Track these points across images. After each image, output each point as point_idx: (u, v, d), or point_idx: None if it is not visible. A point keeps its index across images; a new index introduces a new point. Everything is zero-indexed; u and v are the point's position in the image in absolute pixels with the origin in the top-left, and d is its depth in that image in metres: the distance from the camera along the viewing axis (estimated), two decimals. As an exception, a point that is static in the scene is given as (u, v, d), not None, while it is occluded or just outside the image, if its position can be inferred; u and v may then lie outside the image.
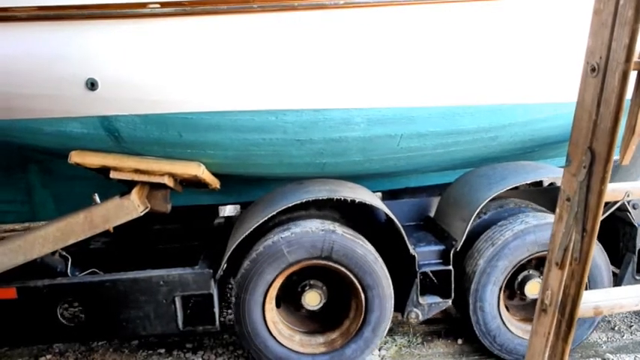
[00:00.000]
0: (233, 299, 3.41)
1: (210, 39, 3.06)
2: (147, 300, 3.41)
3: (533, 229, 3.46)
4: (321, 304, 3.52)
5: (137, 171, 3.41)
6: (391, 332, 4.11)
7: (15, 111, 3.23)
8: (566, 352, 1.85)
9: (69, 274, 3.57)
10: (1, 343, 3.56)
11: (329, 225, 3.41)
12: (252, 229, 3.35)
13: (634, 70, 1.60)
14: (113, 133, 3.28)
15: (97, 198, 3.53)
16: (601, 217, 1.71)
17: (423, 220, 4.12)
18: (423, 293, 3.56)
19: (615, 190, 1.87)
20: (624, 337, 3.97)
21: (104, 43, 3.04)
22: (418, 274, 3.50)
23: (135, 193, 3.47)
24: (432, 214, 4.12)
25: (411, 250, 3.49)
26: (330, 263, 3.36)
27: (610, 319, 4.16)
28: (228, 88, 3.15)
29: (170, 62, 3.09)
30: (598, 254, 3.49)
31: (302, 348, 3.53)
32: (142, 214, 3.51)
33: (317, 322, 3.71)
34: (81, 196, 3.73)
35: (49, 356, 3.96)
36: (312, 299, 3.50)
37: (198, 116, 3.22)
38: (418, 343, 3.96)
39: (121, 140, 3.32)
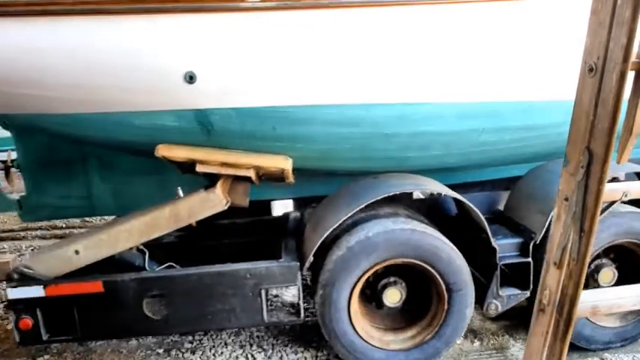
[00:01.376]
0: (319, 296, 3.43)
1: (307, 33, 3.12)
2: (233, 293, 3.43)
3: (621, 216, 3.53)
4: (401, 301, 3.57)
5: (224, 164, 3.41)
6: (390, 332, 4.11)
7: (106, 104, 3.24)
8: (564, 351, 1.86)
9: (147, 268, 3.59)
10: (88, 336, 3.57)
11: (415, 224, 3.47)
12: (340, 222, 3.38)
13: (631, 70, 1.60)
14: (206, 127, 3.30)
15: (180, 192, 3.55)
16: (599, 217, 1.71)
17: (492, 214, 4.18)
18: (500, 285, 3.62)
19: (613, 190, 1.88)
20: (622, 337, 3.96)
21: (204, 37, 3.08)
22: (499, 267, 3.56)
23: (220, 187, 3.47)
24: (499, 207, 4.18)
25: (493, 243, 3.54)
26: (415, 261, 3.41)
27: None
28: (322, 82, 3.22)
29: (267, 56, 3.13)
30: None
31: (385, 345, 3.59)
32: (225, 207, 3.52)
33: (396, 319, 3.76)
34: (140, 191, 3.80)
35: (46, 356, 3.96)
36: (393, 296, 3.55)
37: (293, 109, 3.27)
38: (417, 343, 3.95)
39: (212, 134, 3.34)
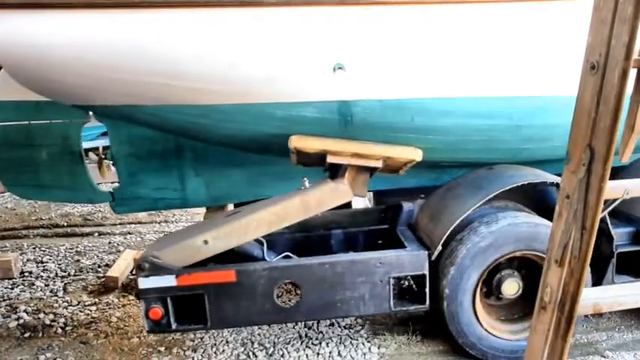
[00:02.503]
0: (446, 286, 3.49)
1: (450, 28, 3.19)
2: (363, 281, 3.47)
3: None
4: (519, 293, 3.62)
5: (355, 155, 3.42)
6: (390, 330, 4.11)
7: (249, 95, 3.27)
8: (566, 349, 1.85)
9: (266, 258, 3.61)
10: (217, 325, 3.59)
11: (535, 217, 3.56)
12: (468, 213, 3.45)
13: (633, 67, 1.60)
14: (346, 118, 3.33)
15: (306, 182, 3.57)
16: (600, 215, 1.71)
17: None
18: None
19: (614, 188, 1.87)
20: (624, 335, 3.97)
21: (353, 29, 3.12)
22: (615, 255, 3.63)
23: (348, 178, 3.49)
24: None
25: (612, 232, 3.60)
26: (537, 253, 3.49)
27: (610, 316, 4.16)
28: (461, 74, 3.29)
29: (411, 49, 3.19)
30: None
31: (507, 335, 3.66)
32: (351, 198, 3.56)
33: (513, 309, 3.81)
34: (232, 183, 3.85)
35: (49, 354, 3.97)
36: (511, 288, 3.61)
37: (433, 101, 3.32)
38: (417, 341, 3.96)
39: (350, 125, 3.36)
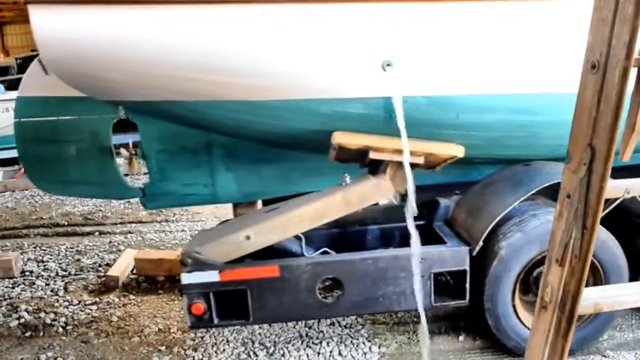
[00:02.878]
0: (487, 282, 3.52)
1: (495, 26, 3.21)
2: (405, 276, 3.47)
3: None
4: None
5: (397, 151, 3.41)
6: (391, 329, 4.12)
7: (292, 91, 3.27)
8: (566, 349, 1.85)
9: (305, 254, 3.61)
10: (260, 320, 3.62)
11: None
12: (509, 209, 3.47)
13: (634, 67, 1.60)
14: (391, 114, 3.31)
15: (347, 178, 3.57)
16: (601, 214, 1.71)
17: None
18: None
19: (615, 187, 1.87)
20: (625, 335, 3.97)
21: (403, 26, 3.14)
22: None
23: (389, 174, 3.50)
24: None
25: None
26: None
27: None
28: (506, 71, 3.30)
29: (459, 45, 3.21)
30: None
31: None
32: (393, 194, 3.58)
33: None
34: (264, 179, 3.87)
35: (49, 353, 3.97)
36: None
37: (478, 98, 3.34)
38: (418, 340, 3.96)
39: (392, 121, 3.34)
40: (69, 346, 4.08)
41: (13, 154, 10.89)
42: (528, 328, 3.58)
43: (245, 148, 3.84)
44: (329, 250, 3.66)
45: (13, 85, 13.05)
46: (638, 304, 1.98)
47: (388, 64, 3.13)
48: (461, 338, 3.96)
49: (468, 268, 3.52)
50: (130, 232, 6.74)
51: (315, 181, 3.88)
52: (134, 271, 5.31)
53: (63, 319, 4.45)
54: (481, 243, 3.49)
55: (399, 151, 3.37)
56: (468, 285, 3.54)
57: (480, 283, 3.57)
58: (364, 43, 3.15)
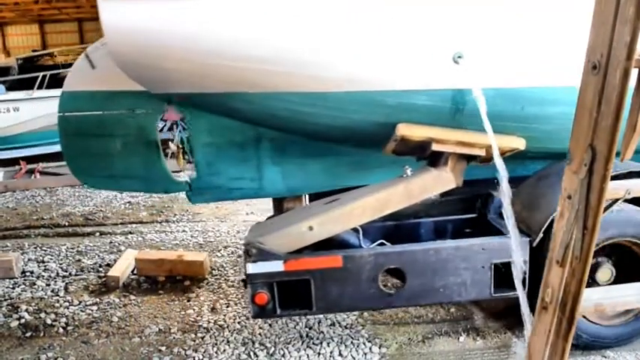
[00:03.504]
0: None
1: (562, 17, 3.25)
2: (466, 267, 3.50)
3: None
4: (611, 279, 3.64)
5: (460, 143, 3.43)
6: (391, 330, 4.11)
7: (359, 83, 3.28)
8: (567, 350, 1.85)
9: (362, 245, 3.64)
10: (322, 310, 3.63)
11: (625, 204, 3.55)
12: None
13: (635, 67, 1.60)
14: (458, 106, 3.35)
15: (408, 170, 3.59)
16: (602, 215, 1.71)
17: None
18: None
19: (616, 188, 1.87)
20: (625, 335, 3.96)
21: (474, 17, 3.19)
22: None
23: (450, 166, 3.51)
24: None
25: None
26: (630, 239, 3.58)
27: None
28: (570, 62, 3.28)
29: (529, 38, 3.25)
30: None
31: (599, 320, 3.69)
32: (454, 186, 3.58)
33: None
34: (309, 174, 3.91)
35: (50, 354, 3.97)
36: (605, 275, 3.62)
37: (545, 90, 3.37)
38: (419, 341, 3.96)
39: (459, 113, 3.38)
40: (69, 347, 4.08)
41: (14, 154, 10.92)
42: (585, 318, 3.64)
43: (292, 143, 3.85)
44: (385, 242, 3.69)
45: (14, 86, 13.08)
46: (638, 304, 1.98)
47: (459, 57, 3.16)
48: (461, 339, 3.96)
49: (527, 259, 3.53)
50: (130, 233, 6.74)
51: (360, 176, 3.91)
52: (135, 272, 5.31)
53: (63, 319, 4.45)
54: (541, 234, 3.50)
55: (462, 143, 3.39)
56: (527, 276, 3.53)
57: (538, 274, 3.58)
58: (436, 35, 3.19)
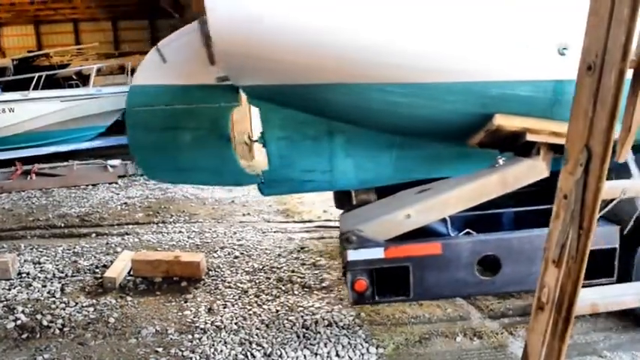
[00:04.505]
0: (637, 260, 3.62)
1: None
2: None
3: None
4: None
5: (553, 133, 3.42)
6: (389, 330, 4.12)
7: (461, 73, 3.30)
8: (563, 350, 1.86)
9: (450, 234, 3.68)
10: (419, 296, 3.71)
11: None
12: None
13: (630, 68, 1.60)
14: (557, 97, 3.36)
15: (500, 161, 3.64)
16: (597, 215, 1.72)
17: None
18: None
19: (612, 188, 1.88)
20: (621, 335, 3.97)
21: (579, 8, 3.18)
22: None
23: (542, 156, 3.52)
24: None
25: None
26: None
27: (607, 316, 4.16)
28: None
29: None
30: None
31: None
32: (547, 175, 3.58)
33: None
34: (380, 167, 3.92)
35: (46, 355, 3.96)
36: None
37: None
38: (416, 341, 3.96)
39: (557, 104, 3.38)
40: (66, 348, 4.06)
41: (10, 155, 10.87)
42: None
43: (364, 136, 3.86)
44: (471, 232, 3.72)
45: (10, 87, 13.03)
46: (634, 304, 1.99)
47: (565, 49, 3.17)
48: (458, 339, 3.97)
49: (617, 246, 3.55)
50: (127, 234, 6.73)
51: (430, 169, 3.94)
52: (131, 273, 5.29)
53: (60, 320, 4.44)
54: (632, 223, 3.52)
55: (555, 134, 3.39)
56: (616, 262, 3.57)
57: (627, 262, 3.64)
58: (541, 28, 3.20)
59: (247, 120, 8.12)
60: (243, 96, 3.75)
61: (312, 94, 3.51)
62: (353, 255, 3.45)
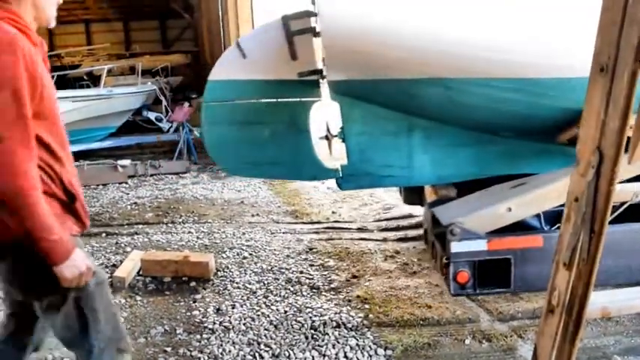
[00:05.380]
0: None
1: None
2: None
3: None
4: None
5: None
6: (397, 332, 4.10)
7: (570, 69, 3.28)
8: (574, 353, 1.84)
9: (543, 227, 3.71)
10: (520, 288, 3.74)
11: None
12: None
13: (643, 69, 1.59)
14: None
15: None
16: (609, 218, 1.70)
17: None
18: None
19: (623, 191, 1.86)
20: (632, 340, 3.94)
21: None
22: None
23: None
24: None
25: None
26: None
27: (618, 320, 4.13)
28: None
29: None
30: None
31: None
32: None
33: None
34: (459, 163, 3.98)
35: (56, 353, 3.98)
36: None
37: None
38: (424, 344, 3.95)
39: None
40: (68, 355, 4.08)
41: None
42: None
43: (444, 132, 3.90)
44: None
45: None
46: (646, 308, 1.97)
47: None
48: (467, 342, 3.95)
49: None
50: (136, 234, 6.76)
51: (509, 165, 3.96)
52: (140, 272, 5.32)
53: (69, 319, 4.46)
54: None
55: None
56: None
57: None
58: None
59: (327, 115, 8.30)
60: (324, 91, 3.83)
61: (408, 88, 3.58)
62: (456, 247, 3.54)
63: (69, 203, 2.25)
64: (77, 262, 2.15)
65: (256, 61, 3.78)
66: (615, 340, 3.94)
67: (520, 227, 3.69)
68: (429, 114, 3.82)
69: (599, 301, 1.89)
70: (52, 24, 2.32)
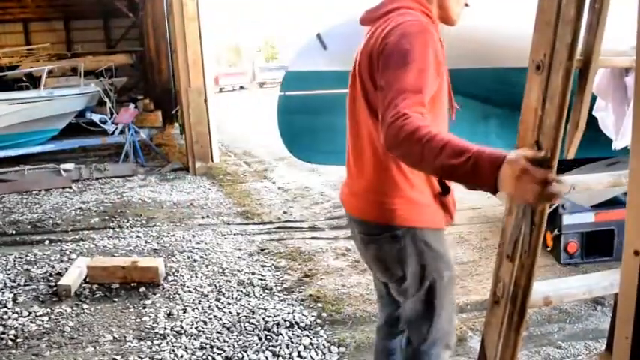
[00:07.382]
0: None
1: None
2: None
3: None
4: None
5: None
6: (350, 329, 4.14)
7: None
8: (519, 341, 1.90)
9: None
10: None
11: None
12: None
13: (576, 68, 1.66)
14: None
15: None
16: (548, 210, 1.77)
17: None
18: None
19: (561, 184, 1.93)
20: (574, 326, 4.11)
21: None
22: None
23: None
24: None
25: None
26: None
27: (562, 307, 4.30)
28: None
29: None
30: None
31: None
32: None
33: None
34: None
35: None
36: None
37: None
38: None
39: None
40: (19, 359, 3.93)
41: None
42: None
43: (514, 119, 3.97)
44: None
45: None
46: (584, 295, 2.05)
47: None
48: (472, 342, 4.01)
49: None
50: (81, 240, 6.56)
51: (583, 150, 4.11)
52: (87, 280, 5.16)
53: (12, 331, 4.29)
54: None
55: None
56: None
57: None
58: None
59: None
60: None
61: (510, 76, 3.68)
62: (567, 219, 3.91)
63: None
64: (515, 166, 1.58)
65: (338, 52, 3.87)
66: (559, 327, 4.09)
67: (611, 202, 4.04)
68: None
69: (542, 290, 1.95)
70: None
